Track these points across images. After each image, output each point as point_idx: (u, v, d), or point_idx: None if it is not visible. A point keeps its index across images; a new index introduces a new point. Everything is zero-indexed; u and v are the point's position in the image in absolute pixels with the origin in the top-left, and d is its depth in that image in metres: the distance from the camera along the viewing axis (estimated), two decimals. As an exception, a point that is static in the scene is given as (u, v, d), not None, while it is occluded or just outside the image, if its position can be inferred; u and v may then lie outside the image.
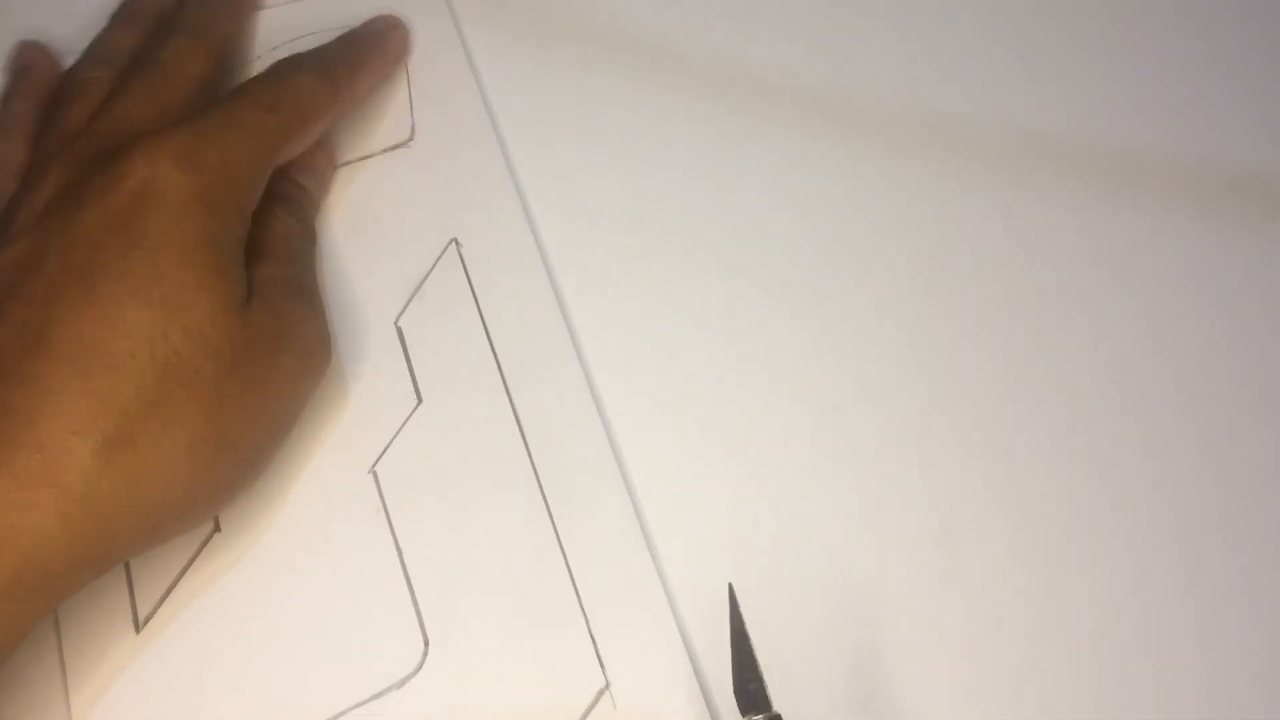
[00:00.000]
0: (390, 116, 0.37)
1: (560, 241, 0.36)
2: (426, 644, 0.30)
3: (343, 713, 0.29)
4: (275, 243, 0.32)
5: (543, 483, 0.32)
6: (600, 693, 0.30)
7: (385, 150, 0.37)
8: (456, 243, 0.35)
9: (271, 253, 0.32)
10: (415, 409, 0.33)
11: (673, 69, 0.39)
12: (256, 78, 0.33)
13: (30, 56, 0.36)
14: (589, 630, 0.30)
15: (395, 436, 0.32)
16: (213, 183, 0.29)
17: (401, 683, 0.30)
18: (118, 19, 0.36)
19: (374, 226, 0.35)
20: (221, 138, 0.30)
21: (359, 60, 0.35)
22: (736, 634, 0.28)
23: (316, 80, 0.33)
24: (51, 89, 0.34)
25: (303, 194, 0.35)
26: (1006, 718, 0.31)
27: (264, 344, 0.29)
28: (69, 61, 0.35)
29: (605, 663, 0.30)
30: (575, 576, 0.31)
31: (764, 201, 0.37)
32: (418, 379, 0.33)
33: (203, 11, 0.34)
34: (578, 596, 0.31)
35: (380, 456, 0.32)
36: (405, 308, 0.34)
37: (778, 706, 0.27)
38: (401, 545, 0.31)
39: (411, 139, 0.37)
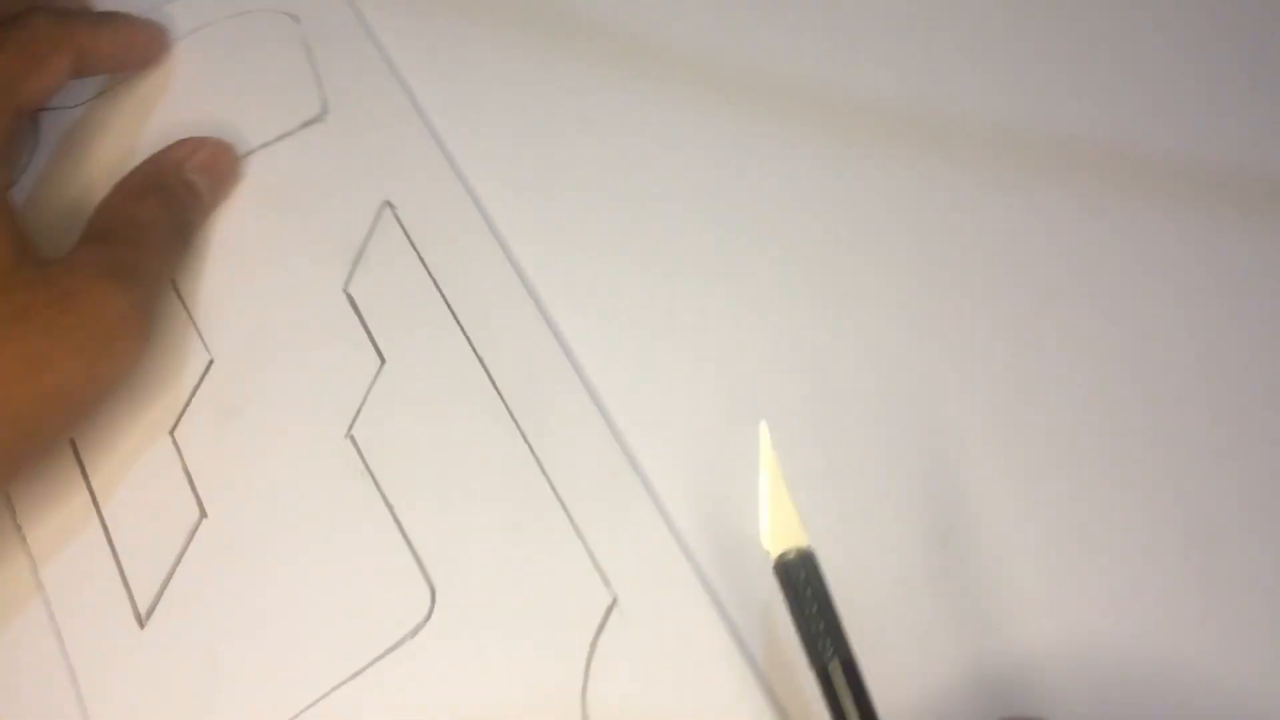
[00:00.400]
0: (297, 95, 0.37)
1: (491, 187, 0.36)
2: (433, 592, 0.30)
3: (361, 670, 0.30)
4: (125, 227, 0.32)
5: (517, 418, 0.32)
6: (609, 608, 0.31)
7: (300, 128, 0.37)
8: (390, 205, 0.35)
9: (113, 234, 0.31)
10: (380, 369, 0.33)
11: (581, 31, 0.39)
12: None
13: None
14: (587, 550, 0.31)
15: (365, 399, 0.32)
16: None
17: (414, 631, 0.30)
18: None
19: (304, 201, 0.35)
20: None
21: (102, 20, 0.35)
22: (767, 469, 0.26)
23: (51, 22, 0.33)
24: None
25: (188, 191, 0.34)
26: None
27: (44, 319, 0.28)
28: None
29: (609, 578, 0.31)
30: (564, 501, 0.32)
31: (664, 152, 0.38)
32: (377, 340, 0.33)
33: None
34: (570, 519, 0.31)
35: (354, 420, 0.32)
36: (351, 274, 0.34)
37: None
38: (391, 501, 0.31)
39: (325, 113, 0.37)
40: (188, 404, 0.32)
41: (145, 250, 0.32)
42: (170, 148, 0.35)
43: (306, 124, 0.37)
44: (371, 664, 0.30)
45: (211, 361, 0.33)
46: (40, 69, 0.32)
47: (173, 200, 0.33)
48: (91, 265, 0.30)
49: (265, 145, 0.36)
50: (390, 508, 0.31)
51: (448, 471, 0.32)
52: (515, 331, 0.34)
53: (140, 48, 0.37)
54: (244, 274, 0.34)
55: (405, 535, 0.31)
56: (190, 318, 0.33)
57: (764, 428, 0.27)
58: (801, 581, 0.25)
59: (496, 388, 0.33)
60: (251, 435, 0.32)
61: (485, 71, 0.38)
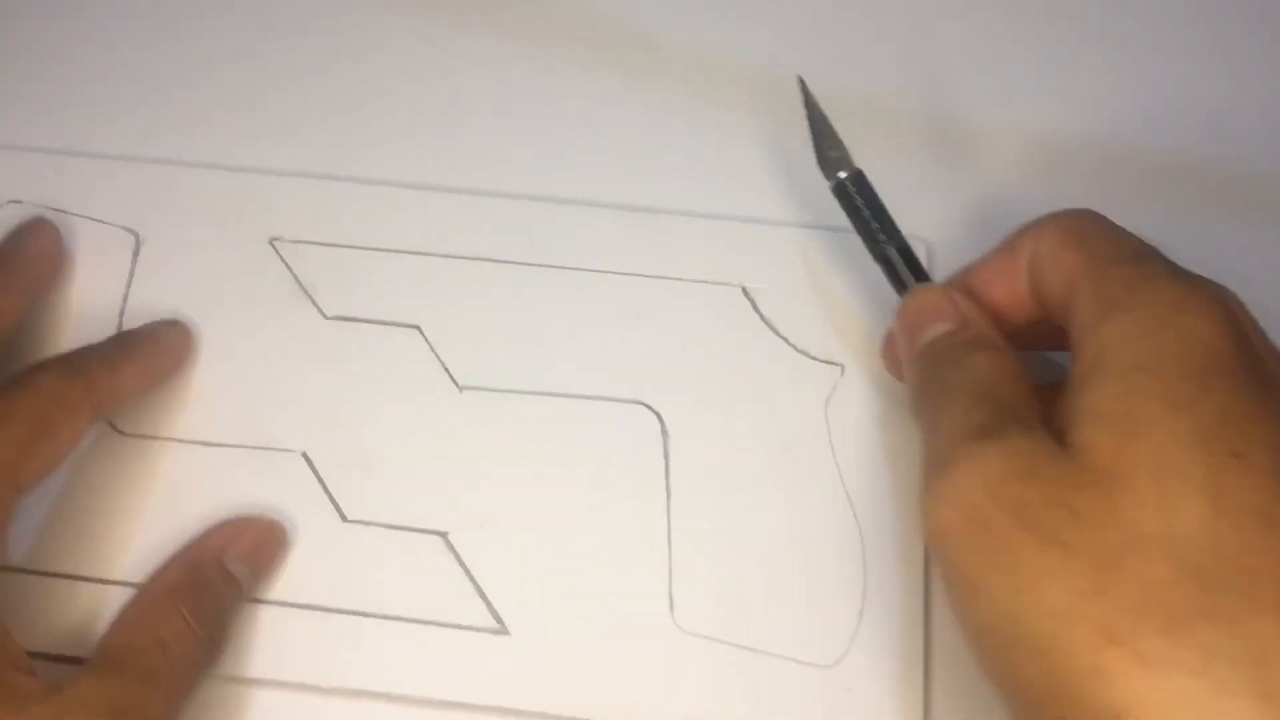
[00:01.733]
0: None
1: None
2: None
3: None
4: (141, 652, 0.27)
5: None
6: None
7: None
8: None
9: (123, 663, 0.27)
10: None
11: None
12: None
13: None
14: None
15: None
16: None
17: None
18: None
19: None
20: None
21: (121, 350, 0.31)
22: (812, 111, 0.31)
23: (62, 380, 0.29)
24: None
25: (227, 586, 0.29)
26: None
27: None
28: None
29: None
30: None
31: None
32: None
33: None
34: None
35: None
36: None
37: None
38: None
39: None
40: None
41: (158, 685, 0.27)
42: (209, 534, 0.30)
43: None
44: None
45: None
46: (50, 441, 0.28)
47: (209, 604, 0.29)
48: (85, 708, 0.25)
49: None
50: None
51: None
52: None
53: (168, 364, 0.33)
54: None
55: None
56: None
57: (800, 78, 0.32)
58: (858, 196, 0.31)
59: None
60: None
61: None
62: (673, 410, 0.33)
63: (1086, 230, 0.28)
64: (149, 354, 0.32)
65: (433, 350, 0.33)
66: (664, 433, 0.32)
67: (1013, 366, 0.27)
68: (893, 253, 0.31)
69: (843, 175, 0.31)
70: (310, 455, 0.32)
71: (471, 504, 0.32)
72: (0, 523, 0.27)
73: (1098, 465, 0.23)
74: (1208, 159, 0.37)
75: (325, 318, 0.34)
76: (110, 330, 0.33)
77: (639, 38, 0.38)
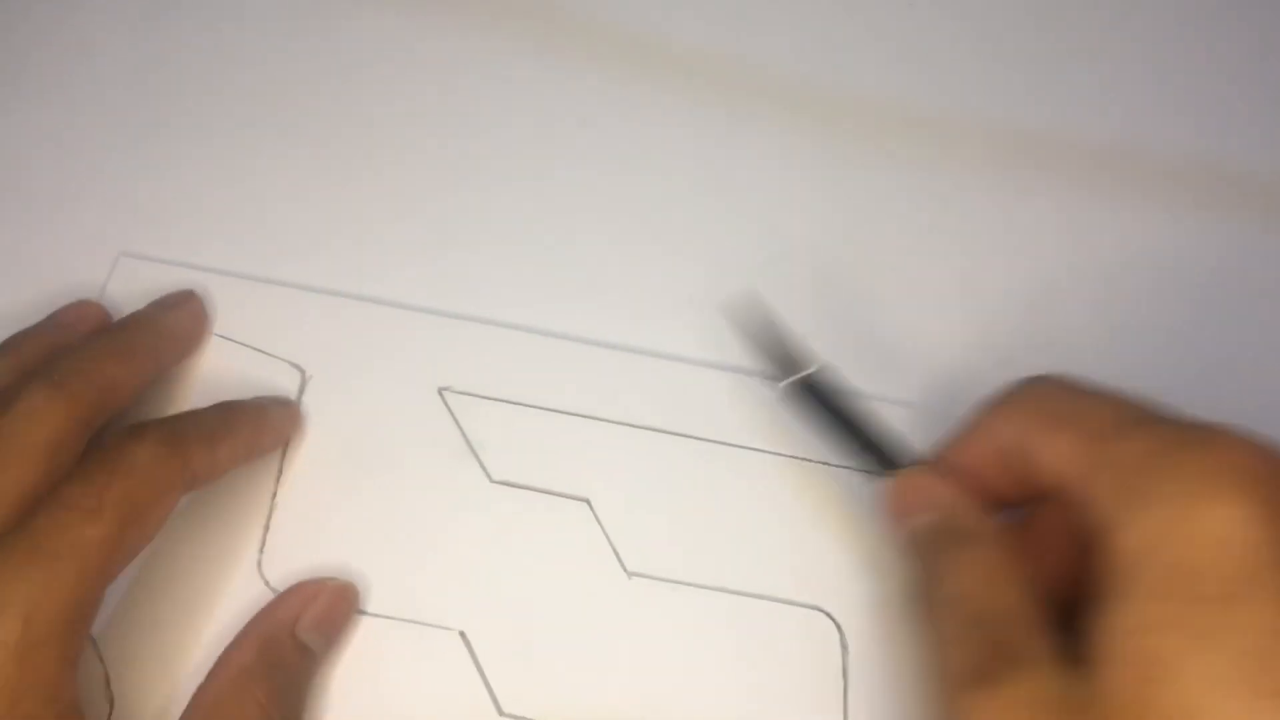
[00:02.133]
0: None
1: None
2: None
3: None
4: None
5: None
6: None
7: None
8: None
9: None
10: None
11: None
12: (83, 461, 0.26)
13: (74, 315, 0.32)
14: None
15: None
16: (17, 643, 0.23)
17: None
18: None
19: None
20: (20, 578, 0.24)
21: (226, 428, 0.29)
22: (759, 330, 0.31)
23: (159, 458, 0.27)
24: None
25: (302, 660, 0.28)
26: None
27: None
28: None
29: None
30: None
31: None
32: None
33: (78, 356, 0.28)
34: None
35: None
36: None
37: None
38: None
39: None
40: None
41: None
42: (281, 602, 0.29)
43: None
44: None
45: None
46: (139, 530, 0.26)
47: (284, 684, 0.28)
48: None
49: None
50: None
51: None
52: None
53: (265, 445, 0.31)
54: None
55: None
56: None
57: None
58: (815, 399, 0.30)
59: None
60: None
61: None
62: (854, 621, 0.30)
63: (1063, 405, 0.25)
64: (250, 432, 0.30)
65: (602, 529, 0.31)
66: (844, 646, 0.30)
67: (1003, 571, 0.25)
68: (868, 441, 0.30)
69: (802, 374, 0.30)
70: (469, 636, 0.30)
71: (633, 704, 0.30)
72: (86, 618, 0.25)
73: (1123, 711, 0.21)
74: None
75: (491, 481, 0.32)
76: (271, 476, 0.32)
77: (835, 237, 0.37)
